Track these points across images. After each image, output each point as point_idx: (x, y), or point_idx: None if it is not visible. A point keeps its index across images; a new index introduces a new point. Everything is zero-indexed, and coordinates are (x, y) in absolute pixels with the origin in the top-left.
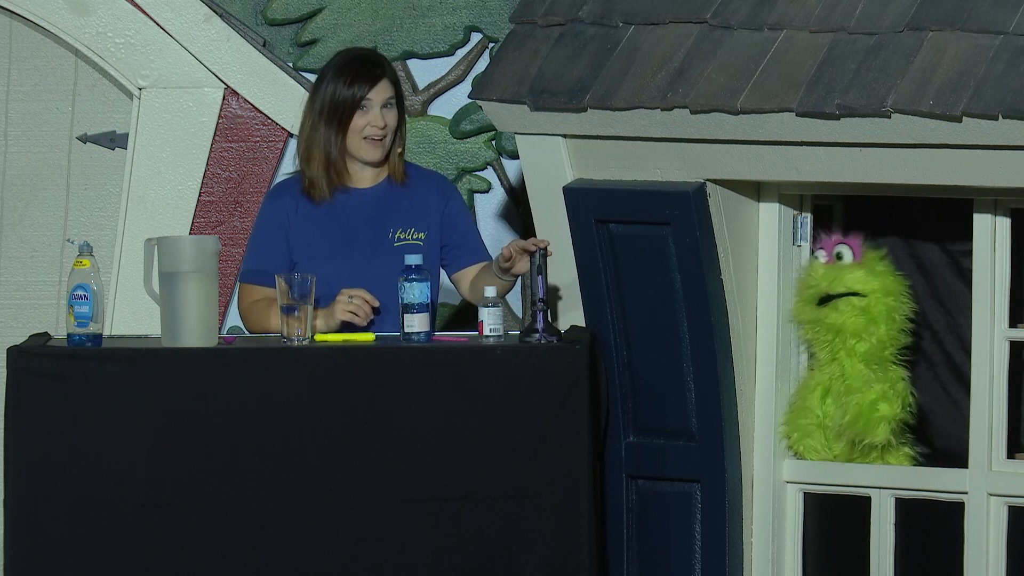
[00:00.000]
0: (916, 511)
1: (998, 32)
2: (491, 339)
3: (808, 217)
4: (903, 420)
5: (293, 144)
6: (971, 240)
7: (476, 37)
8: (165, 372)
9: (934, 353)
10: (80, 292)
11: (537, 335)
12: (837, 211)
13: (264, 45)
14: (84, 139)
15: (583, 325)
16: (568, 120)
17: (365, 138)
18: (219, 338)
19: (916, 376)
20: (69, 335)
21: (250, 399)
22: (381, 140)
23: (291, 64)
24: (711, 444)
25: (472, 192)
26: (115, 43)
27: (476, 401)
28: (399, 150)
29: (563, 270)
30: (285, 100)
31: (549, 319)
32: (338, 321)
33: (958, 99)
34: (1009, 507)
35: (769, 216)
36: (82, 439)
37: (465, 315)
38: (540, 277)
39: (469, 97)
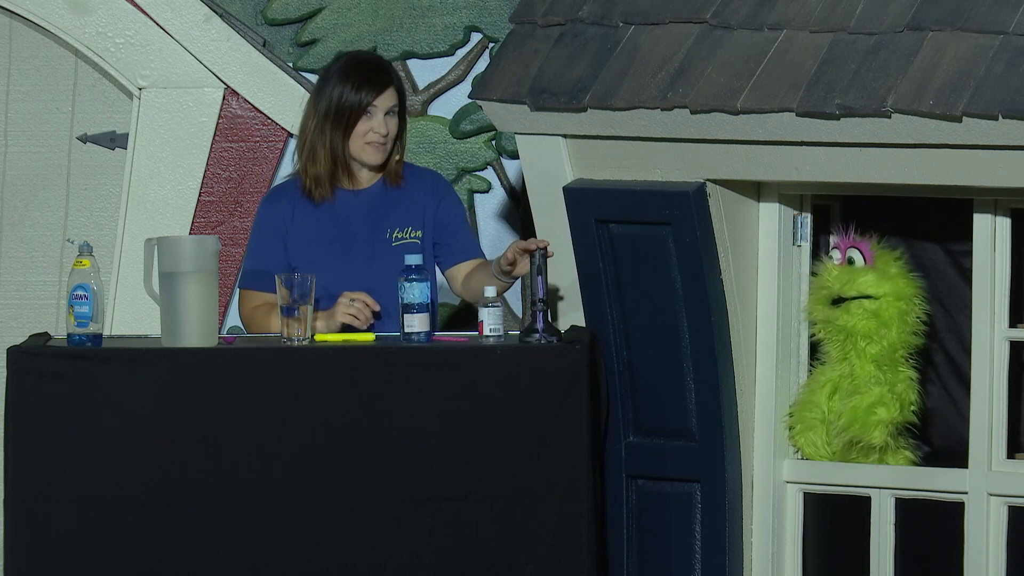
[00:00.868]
0: (916, 511)
1: (998, 32)
2: (491, 339)
3: (808, 217)
4: (903, 422)
5: (293, 144)
6: (971, 240)
7: (476, 37)
8: (165, 372)
9: (935, 353)
10: (80, 292)
11: (537, 335)
12: (836, 211)
13: (264, 45)
14: (84, 139)
15: (583, 325)
16: (568, 120)
17: (368, 143)
18: (219, 338)
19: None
20: (69, 335)
21: (250, 399)
22: (383, 146)
23: (291, 64)
24: (711, 444)
25: (472, 192)
26: (115, 43)
27: (476, 401)
28: (397, 157)
29: (563, 270)
30: (285, 100)
31: (549, 319)
32: (338, 323)
33: (958, 99)
34: (1009, 507)
35: (769, 216)
36: (82, 439)
37: (465, 315)
38: (540, 277)
39: (469, 97)
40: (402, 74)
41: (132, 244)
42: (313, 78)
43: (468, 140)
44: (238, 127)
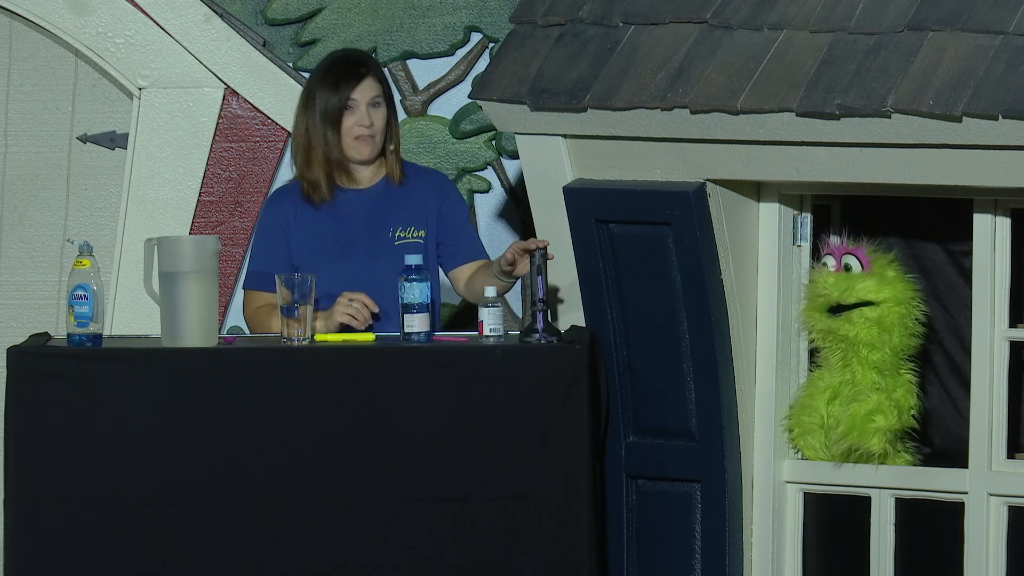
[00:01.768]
0: (916, 511)
1: (998, 32)
2: (491, 339)
3: (808, 217)
4: (902, 428)
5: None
6: (971, 240)
7: (476, 37)
8: (165, 372)
9: (935, 353)
10: (80, 292)
11: (537, 335)
12: (836, 211)
13: (264, 45)
14: (84, 139)
15: (583, 325)
16: (568, 120)
17: (356, 138)
18: (219, 338)
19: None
20: (69, 335)
21: (250, 399)
22: (371, 138)
23: (291, 64)
24: (711, 444)
25: (472, 192)
26: (115, 43)
27: (476, 401)
28: (391, 147)
29: (563, 270)
30: (285, 100)
31: (549, 319)
32: (336, 323)
33: (958, 99)
34: (1009, 507)
35: (769, 216)
36: (82, 439)
37: (465, 315)
38: (540, 277)
39: (469, 97)
40: (402, 74)
41: (132, 244)
42: None
43: (468, 140)
44: (238, 127)
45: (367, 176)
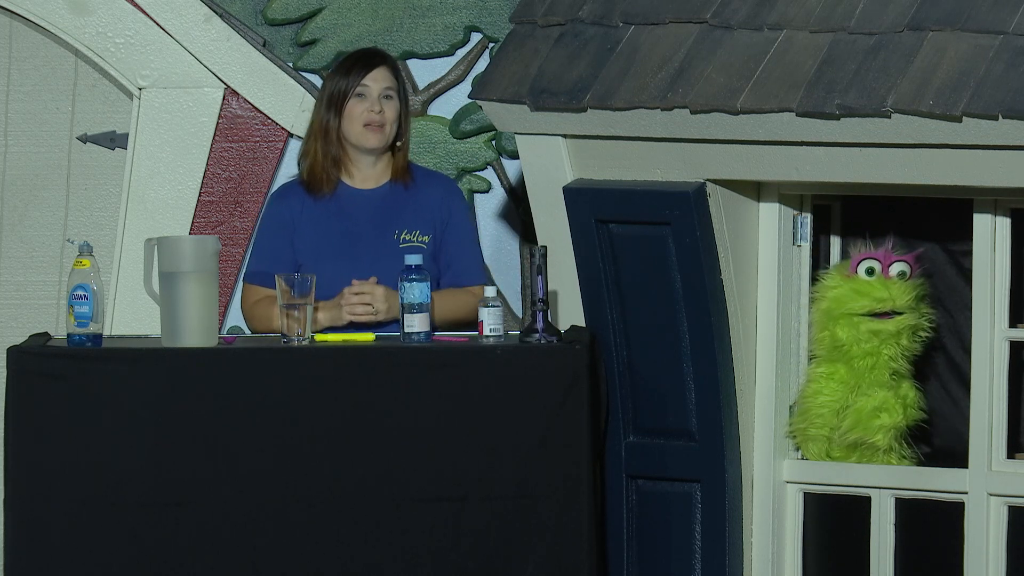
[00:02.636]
0: (916, 511)
1: (998, 32)
2: (491, 339)
3: (808, 217)
4: (908, 425)
5: (293, 144)
6: (971, 240)
7: (476, 37)
8: (165, 372)
9: (935, 353)
10: (80, 292)
11: (537, 335)
12: (837, 211)
13: (264, 45)
14: (84, 139)
15: (583, 325)
16: (568, 120)
17: (365, 125)
18: (219, 338)
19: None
20: (69, 335)
21: (250, 399)
22: (381, 128)
23: (291, 64)
24: (711, 444)
25: (472, 192)
26: (115, 43)
27: (476, 401)
28: (399, 144)
29: (563, 270)
30: (285, 100)
31: (549, 319)
32: (345, 320)
33: (958, 99)
34: (1009, 507)
35: (769, 216)
36: (82, 439)
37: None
38: (540, 277)
39: (469, 97)
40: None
41: (132, 244)
42: (313, 78)
43: (468, 140)
44: (238, 127)
45: (373, 175)
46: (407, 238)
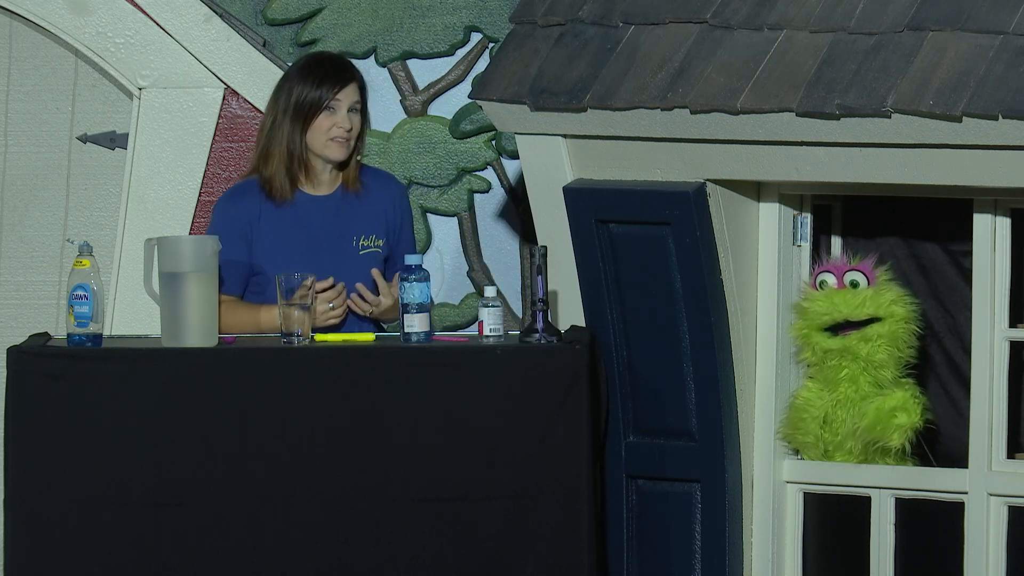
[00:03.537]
0: (916, 511)
1: (998, 32)
2: (491, 339)
3: (808, 217)
4: (920, 427)
5: None
6: (971, 240)
7: (476, 37)
8: (165, 372)
9: (935, 353)
10: (80, 292)
11: (537, 335)
12: (837, 211)
13: (264, 45)
14: (84, 139)
15: (583, 325)
16: (568, 120)
17: (332, 139)
18: (219, 338)
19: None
20: (69, 335)
21: (250, 399)
22: (347, 141)
23: (291, 64)
24: (711, 444)
25: (472, 192)
26: (115, 43)
27: (476, 401)
28: (358, 157)
29: (563, 270)
30: None
31: (549, 319)
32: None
33: (958, 99)
34: (1009, 507)
35: (769, 216)
36: (82, 439)
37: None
38: (540, 277)
39: (469, 97)
40: (402, 74)
41: (132, 244)
42: None
43: (468, 140)
44: (238, 127)
45: (327, 182)
46: (365, 244)
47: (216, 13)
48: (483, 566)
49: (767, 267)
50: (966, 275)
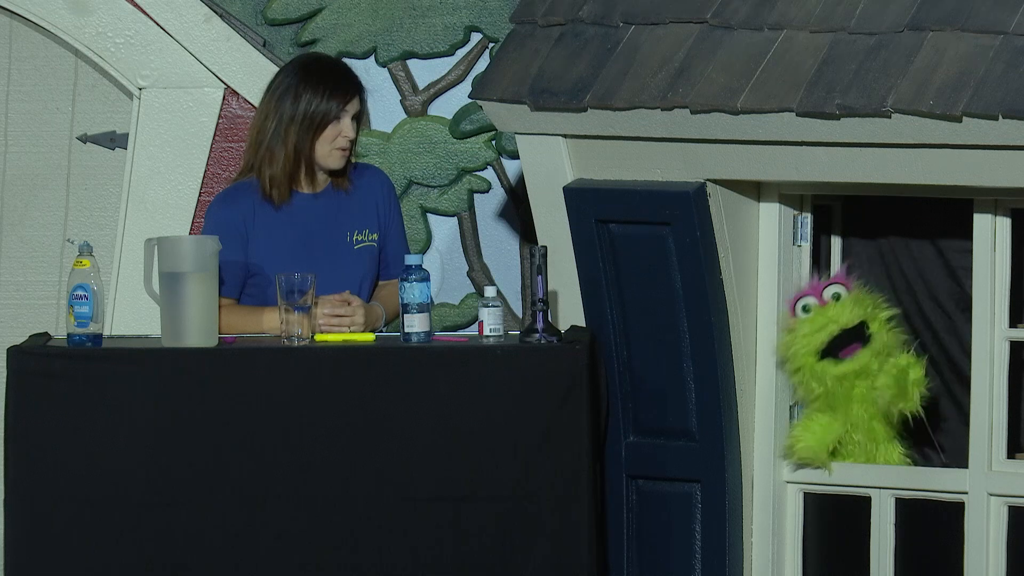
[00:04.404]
0: (916, 511)
1: (998, 32)
2: (491, 339)
3: (808, 217)
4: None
5: None
6: (971, 240)
7: (476, 37)
8: (165, 372)
9: (934, 353)
10: (80, 292)
11: (537, 335)
12: (838, 211)
13: (264, 45)
14: (84, 139)
15: (583, 325)
16: (568, 120)
17: (336, 147)
18: (219, 338)
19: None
20: (69, 335)
21: (250, 399)
22: (347, 150)
23: (289, 62)
24: (711, 444)
25: (472, 192)
26: (115, 43)
27: (476, 401)
28: (352, 159)
29: (563, 270)
30: None
31: (549, 319)
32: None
33: (958, 99)
34: (1009, 507)
35: (769, 216)
36: (82, 439)
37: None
38: (540, 277)
39: (469, 97)
40: (402, 74)
41: (132, 244)
42: None
43: (468, 140)
44: (238, 127)
45: (321, 180)
46: (359, 238)
47: (216, 13)
48: (483, 566)
49: (767, 267)
50: (966, 275)
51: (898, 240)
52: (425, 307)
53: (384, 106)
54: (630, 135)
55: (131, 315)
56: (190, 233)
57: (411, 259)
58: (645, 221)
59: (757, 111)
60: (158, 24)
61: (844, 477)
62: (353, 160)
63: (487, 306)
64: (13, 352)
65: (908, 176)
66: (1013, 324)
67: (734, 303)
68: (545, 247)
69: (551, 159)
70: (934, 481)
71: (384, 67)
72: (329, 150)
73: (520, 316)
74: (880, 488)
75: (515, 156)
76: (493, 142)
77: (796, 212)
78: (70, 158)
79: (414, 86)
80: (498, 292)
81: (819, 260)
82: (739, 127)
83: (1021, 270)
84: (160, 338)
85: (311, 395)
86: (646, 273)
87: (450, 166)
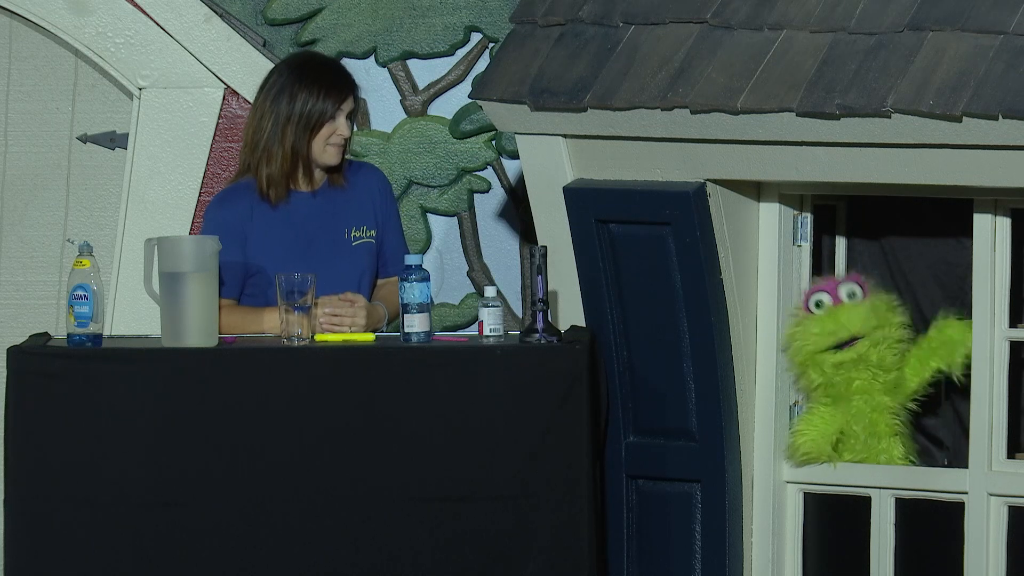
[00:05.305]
0: (916, 511)
1: (998, 32)
2: (491, 339)
3: (808, 217)
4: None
5: None
6: (971, 240)
7: (476, 37)
8: (165, 372)
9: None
10: (80, 292)
11: (537, 335)
12: (842, 211)
13: (264, 45)
14: (84, 139)
15: (583, 325)
16: (568, 120)
17: (330, 144)
18: (219, 338)
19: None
20: (69, 335)
21: (250, 399)
22: (342, 147)
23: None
24: (711, 444)
25: (472, 192)
26: (115, 43)
27: (476, 401)
28: (347, 156)
29: (563, 270)
30: None
31: (549, 319)
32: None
33: (958, 99)
34: (1009, 507)
35: (769, 216)
36: (82, 439)
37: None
38: (540, 277)
39: (469, 97)
40: (402, 74)
41: (132, 244)
42: None
43: (468, 140)
44: (238, 127)
45: (318, 177)
46: (357, 235)
47: (216, 13)
48: (483, 566)
49: (767, 267)
50: (966, 275)
51: (898, 240)
52: (425, 307)
53: (384, 106)
54: (630, 135)
55: (131, 315)
56: (190, 233)
57: (411, 259)
58: (645, 221)
59: (757, 111)
60: (158, 24)
61: (844, 477)
62: (348, 156)
63: (487, 306)
64: (13, 352)
65: (908, 176)
66: (1013, 324)
67: (734, 303)
68: (545, 247)
69: (551, 159)
70: (934, 481)
71: (384, 67)
72: (324, 147)
73: (520, 316)
74: (880, 488)
75: (515, 156)
76: (493, 142)
77: (796, 212)
78: (70, 158)
79: (414, 86)
80: (498, 292)
81: (820, 260)
82: (739, 127)
83: (1021, 270)
84: (160, 338)
85: (311, 395)
86: (646, 273)
87: (450, 166)
